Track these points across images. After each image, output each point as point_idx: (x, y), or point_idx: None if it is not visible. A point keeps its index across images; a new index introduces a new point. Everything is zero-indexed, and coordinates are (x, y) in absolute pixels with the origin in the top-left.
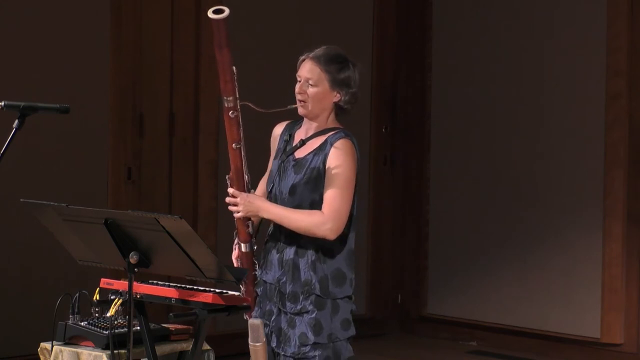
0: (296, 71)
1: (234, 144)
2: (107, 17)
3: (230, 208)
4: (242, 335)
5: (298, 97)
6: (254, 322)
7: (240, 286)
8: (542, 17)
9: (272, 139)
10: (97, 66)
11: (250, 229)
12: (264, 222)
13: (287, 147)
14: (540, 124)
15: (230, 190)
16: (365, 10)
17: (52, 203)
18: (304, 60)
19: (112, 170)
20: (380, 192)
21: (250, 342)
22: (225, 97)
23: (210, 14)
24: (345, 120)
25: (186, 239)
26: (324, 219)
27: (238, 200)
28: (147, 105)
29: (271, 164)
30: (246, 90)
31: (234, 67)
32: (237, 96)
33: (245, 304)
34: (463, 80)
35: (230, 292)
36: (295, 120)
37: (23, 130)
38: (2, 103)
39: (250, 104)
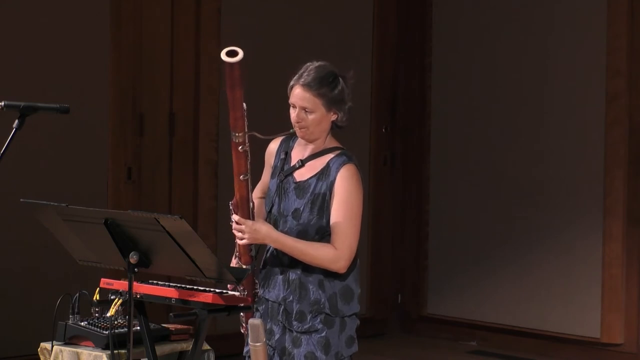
0: (288, 95)
1: (241, 176)
2: (107, 17)
3: (236, 234)
4: (242, 335)
5: (298, 125)
6: (254, 322)
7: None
8: (542, 17)
9: (267, 154)
10: (97, 66)
11: (252, 252)
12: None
13: (285, 166)
14: (540, 124)
15: (235, 217)
16: (365, 10)
17: (52, 203)
18: (293, 86)
19: (112, 170)
20: (380, 192)
21: (250, 342)
22: (234, 133)
23: (223, 56)
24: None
25: (186, 239)
26: (337, 256)
27: (243, 227)
28: (147, 105)
29: (264, 176)
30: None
31: (244, 105)
32: (247, 130)
33: (245, 304)
34: (463, 80)
35: (231, 292)
36: (289, 136)
37: (23, 130)
38: (2, 103)
39: (256, 134)
